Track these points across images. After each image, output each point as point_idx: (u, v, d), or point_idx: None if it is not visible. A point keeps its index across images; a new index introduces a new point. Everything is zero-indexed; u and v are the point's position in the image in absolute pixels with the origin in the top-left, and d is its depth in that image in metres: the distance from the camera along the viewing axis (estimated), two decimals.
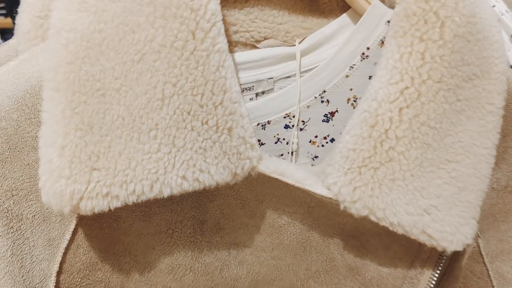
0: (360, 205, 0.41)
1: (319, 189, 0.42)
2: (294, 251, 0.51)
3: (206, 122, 0.38)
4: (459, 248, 0.43)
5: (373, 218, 0.42)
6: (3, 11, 2.33)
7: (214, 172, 0.39)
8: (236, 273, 0.52)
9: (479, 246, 0.51)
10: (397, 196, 0.41)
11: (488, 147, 0.43)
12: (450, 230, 0.42)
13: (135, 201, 0.37)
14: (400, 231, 0.42)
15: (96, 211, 0.36)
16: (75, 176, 0.35)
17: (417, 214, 0.42)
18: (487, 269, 0.51)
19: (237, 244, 0.50)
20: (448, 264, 0.52)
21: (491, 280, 0.51)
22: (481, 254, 0.51)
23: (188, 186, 0.38)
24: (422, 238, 0.42)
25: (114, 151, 0.36)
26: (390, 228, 0.42)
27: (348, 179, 0.41)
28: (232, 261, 0.51)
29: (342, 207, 0.42)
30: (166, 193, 0.38)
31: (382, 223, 0.42)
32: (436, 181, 0.42)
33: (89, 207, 0.36)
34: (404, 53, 0.40)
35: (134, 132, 0.36)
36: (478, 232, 0.51)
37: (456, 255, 0.52)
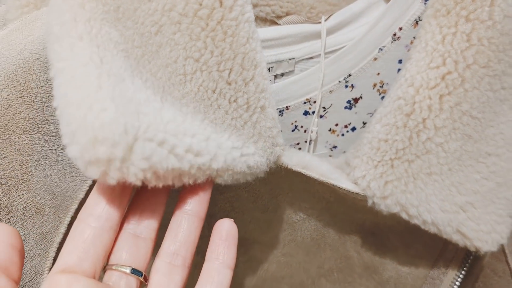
0: (392, 201, 0.37)
1: (345, 184, 0.38)
2: (307, 248, 0.47)
3: (235, 100, 0.33)
4: (494, 248, 0.40)
5: (404, 215, 0.38)
6: None
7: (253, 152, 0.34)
8: (243, 270, 0.47)
9: (502, 244, 0.48)
10: (432, 192, 0.37)
11: None
12: (486, 229, 0.39)
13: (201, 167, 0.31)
14: (432, 230, 0.38)
15: (156, 164, 0.29)
16: (122, 110, 0.28)
17: (452, 211, 0.38)
18: (510, 268, 0.48)
19: (246, 240, 0.46)
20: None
21: None
22: (504, 253, 0.48)
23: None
24: (455, 238, 0.39)
25: (156, 101, 0.31)
26: (422, 227, 0.38)
27: (378, 173, 0.37)
28: (239, 258, 0.46)
29: (370, 202, 0.38)
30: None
31: (414, 221, 0.38)
32: (474, 176, 0.38)
33: (147, 153, 0.28)
34: (447, 34, 0.36)
35: (169, 94, 0.31)
36: None
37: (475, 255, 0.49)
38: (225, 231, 0.34)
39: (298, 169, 0.38)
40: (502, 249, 0.48)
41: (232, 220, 0.35)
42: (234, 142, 0.33)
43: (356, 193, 0.38)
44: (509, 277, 0.49)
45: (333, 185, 0.38)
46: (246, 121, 0.33)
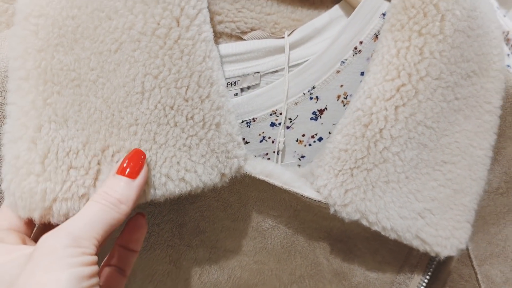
0: (352, 209, 0.39)
1: (308, 192, 0.40)
2: (278, 256, 0.49)
3: (192, 118, 0.34)
4: (453, 253, 0.41)
5: (364, 222, 0.39)
6: None
7: (201, 172, 0.35)
8: (216, 278, 0.49)
9: (467, 249, 0.50)
10: (390, 199, 0.39)
11: (484, 148, 0.41)
12: (444, 235, 0.40)
13: None
14: (392, 236, 0.40)
15: (70, 215, 0.33)
16: (48, 173, 0.32)
17: (411, 218, 0.40)
18: (475, 272, 0.50)
19: (218, 248, 0.47)
20: (435, 268, 0.50)
21: (479, 284, 0.50)
22: (469, 257, 0.50)
23: (174, 187, 0.35)
24: (415, 243, 0.40)
25: (94, 148, 0.33)
26: (382, 233, 0.40)
27: (339, 181, 0.39)
28: (212, 266, 0.48)
29: (332, 210, 0.40)
30: (149, 196, 0.34)
31: (374, 228, 0.40)
32: (431, 184, 0.40)
33: (63, 210, 0.32)
34: (401, 48, 0.38)
35: (113, 127, 0.33)
36: None
37: (445, 258, 0.50)
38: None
39: (261, 177, 0.39)
40: (467, 254, 0.50)
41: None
42: (171, 170, 0.35)
43: (318, 201, 0.40)
44: (475, 282, 0.50)
45: (295, 193, 0.40)
46: (202, 138, 0.35)
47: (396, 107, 0.38)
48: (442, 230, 0.40)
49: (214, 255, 0.47)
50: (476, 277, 0.50)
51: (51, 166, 0.32)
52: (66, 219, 0.32)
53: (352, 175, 0.39)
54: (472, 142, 0.40)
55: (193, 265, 0.47)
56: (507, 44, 0.63)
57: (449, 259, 0.51)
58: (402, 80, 0.38)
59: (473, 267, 0.50)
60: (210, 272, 0.48)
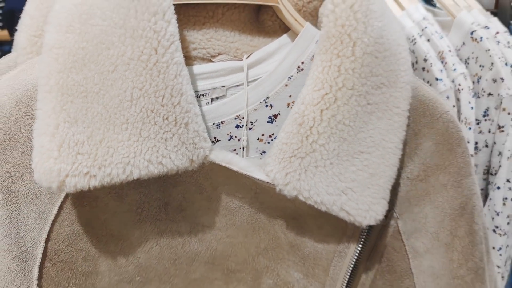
0: (291, 187, 0.52)
1: (259, 175, 0.53)
2: (245, 231, 0.62)
3: (167, 118, 0.48)
4: (372, 222, 0.53)
5: (301, 197, 0.52)
6: (0, 24, 2.45)
7: (174, 158, 0.49)
8: (196, 248, 0.62)
9: (398, 227, 0.62)
10: (319, 180, 0.52)
11: (394, 141, 0.53)
12: (364, 208, 0.53)
13: (109, 182, 0.47)
14: (323, 208, 0.52)
15: (78, 187, 0.46)
16: (62, 157, 0.45)
17: (336, 194, 0.52)
18: (404, 245, 0.62)
19: (197, 224, 0.60)
20: (374, 242, 0.63)
21: (407, 254, 0.62)
22: (399, 233, 0.62)
23: (154, 168, 0.48)
24: (342, 215, 0.53)
25: (95, 140, 0.46)
26: (315, 206, 0.52)
27: (281, 167, 0.52)
28: (192, 238, 0.61)
29: (277, 189, 0.52)
30: (135, 174, 0.48)
31: (309, 202, 0.52)
32: (351, 168, 0.52)
33: (72, 183, 0.46)
34: (325, 66, 0.51)
35: (110, 125, 0.47)
36: (398, 215, 0.61)
37: (380, 235, 0.63)
38: None
39: (223, 164, 0.52)
40: (398, 230, 0.62)
41: None
42: (153, 156, 0.48)
43: (267, 182, 0.53)
44: (404, 252, 0.62)
45: (250, 176, 0.53)
46: (174, 133, 0.48)
47: (322, 110, 0.51)
48: (362, 204, 0.53)
49: (194, 230, 0.61)
50: (405, 249, 0.62)
51: (64, 153, 0.46)
52: (75, 190, 0.46)
53: (290, 162, 0.52)
54: (384, 137, 0.53)
55: (177, 237, 0.60)
56: (442, 62, 0.76)
57: (383, 235, 0.63)
58: (325, 90, 0.51)
59: (402, 241, 0.62)
60: (191, 243, 0.61)
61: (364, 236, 0.58)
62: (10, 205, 0.50)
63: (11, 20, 1.72)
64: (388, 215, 0.61)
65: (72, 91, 0.46)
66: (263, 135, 0.60)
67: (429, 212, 0.60)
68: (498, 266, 0.86)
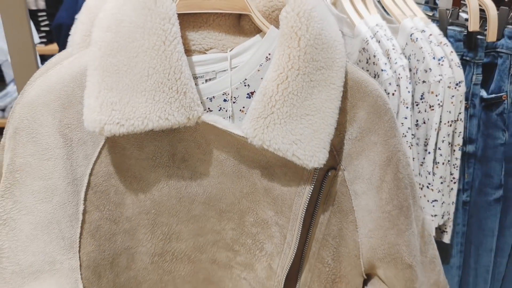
0: (257, 139, 0.74)
1: (235, 130, 0.76)
2: (232, 178, 0.84)
3: (171, 88, 0.71)
4: (316, 165, 0.75)
5: (265, 147, 0.74)
6: (44, 39, 2.78)
7: (176, 115, 0.72)
8: (196, 191, 0.85)
9: (344, 176, 0.83)
10: (277, 133, 0.74)
11: (332, 108, 0.75)
12: (310, 154, 0.75)
13: (132, 130, 0.70)
14: (280, 154, 0.74)
15: (112, 132, 0.69)
16: (102, 112, 0.69)
17: (289, 143, 0.74)
18: (348, 190, 0.83)
19: (196, 172, 0.84)
20: (328, 189, 0.84)
21: (350, 196, 0.83)
22: (345, 181, 0.83)
23: (162, 122, 0.71)
24: (294, 159, 0.75)
25: (124, 101, 0.70)
26: (275, 153, 0.75)
27: (251, 125, 0.74)
28: (193, 183, 0.84)
29: (249, 141, 0.75)
30: (150, 126, 0.71)
31: (270, 149, 0.74)
32: (300, 125, 0.75)
33: (108, 129, 0.68)
34: (281, 55, 0.74)
35: (134, 92, 0.70)
36: (344, 167, 0.83)
37: (332, 183, 0.84)
38: None
39: (211, 122, 0.75)
40: (344, 178, 0.84)
41: None
42: (162, 113, 0.71)
43: (241, 136, 0.75)
44: (348, 195, 0.84)
45: (229, 131, 0.76)
46: (176, 99, 0.71)
47: (278, 85, 0.73)
48: (308, 152, 0.74)
49: (194, 176, 0.84)
50: (349, 192, 0.83)
51: (104, 109, 0.69)
52: (110, 134, 0.69)
53: (257, 121, 0.74)
54: (324, 104, 0.75)
55: (181, 180, 0.83)
56: (387, 57, 0.98)
57: (334, 183, 0.85)
58: (280, 71, 0.73)
59: (347, 187, 0.83)
60: (192, 186, 0.84)
61: (315, 180, 0.80)
62: (67, 147, 0.74)
63: (57, 33, 1.99)
64: (338, 167, 0.83)
65: (109, 69, 0.70)
66: (244, 107, 0.83)
67: (365, 163, 0.82)
68: (433, 215, 1.07)
